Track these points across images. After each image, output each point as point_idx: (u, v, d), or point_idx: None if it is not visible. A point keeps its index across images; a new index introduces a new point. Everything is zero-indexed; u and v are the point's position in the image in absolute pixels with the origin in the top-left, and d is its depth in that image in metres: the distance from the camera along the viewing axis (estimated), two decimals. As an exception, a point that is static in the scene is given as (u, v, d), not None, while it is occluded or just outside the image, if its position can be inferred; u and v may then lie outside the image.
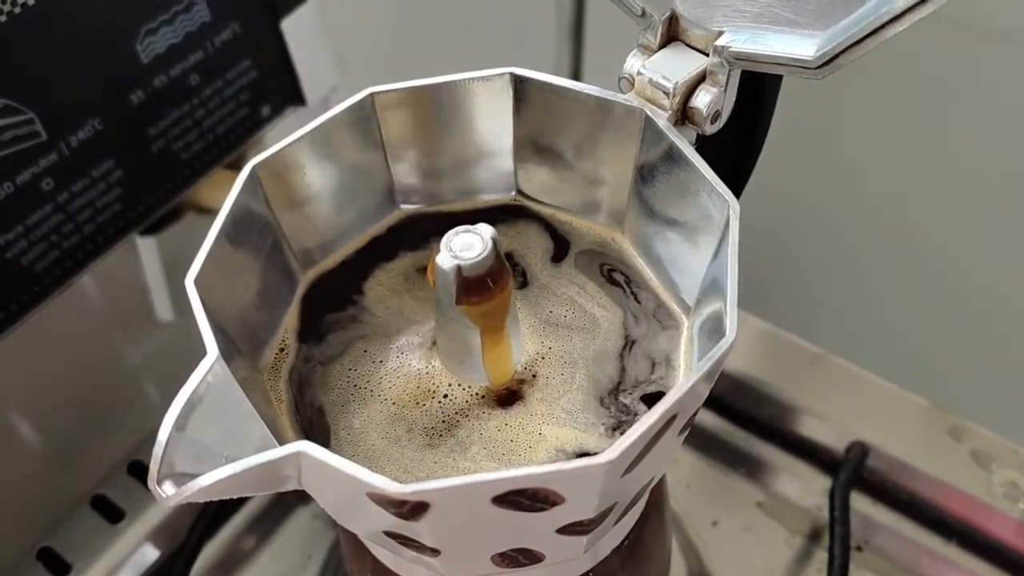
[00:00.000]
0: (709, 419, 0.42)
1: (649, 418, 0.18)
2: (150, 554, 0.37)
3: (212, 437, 0.19)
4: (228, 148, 0.41)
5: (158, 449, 0.18)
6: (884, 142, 0.50)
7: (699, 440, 0.41)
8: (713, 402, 0.42)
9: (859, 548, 0.38)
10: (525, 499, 0.18)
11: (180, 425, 0.19)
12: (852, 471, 0.37)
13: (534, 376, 0.23)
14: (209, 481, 0.18)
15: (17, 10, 0.31)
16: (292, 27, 0.41)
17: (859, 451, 0.38)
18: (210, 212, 0.42)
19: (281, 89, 0.42)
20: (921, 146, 0.49)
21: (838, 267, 0.55)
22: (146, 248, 0.44)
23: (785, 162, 0.48)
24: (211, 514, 0.37)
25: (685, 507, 0.39)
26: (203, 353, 0.19)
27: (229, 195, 0.22)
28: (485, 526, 0.19)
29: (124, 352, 0.45)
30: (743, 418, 0.42)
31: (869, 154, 0.51)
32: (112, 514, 0.38)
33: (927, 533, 0.38)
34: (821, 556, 0.38)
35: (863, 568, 0.37)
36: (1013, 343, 0.50)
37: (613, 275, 0.25)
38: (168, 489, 0.18)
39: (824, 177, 0.53)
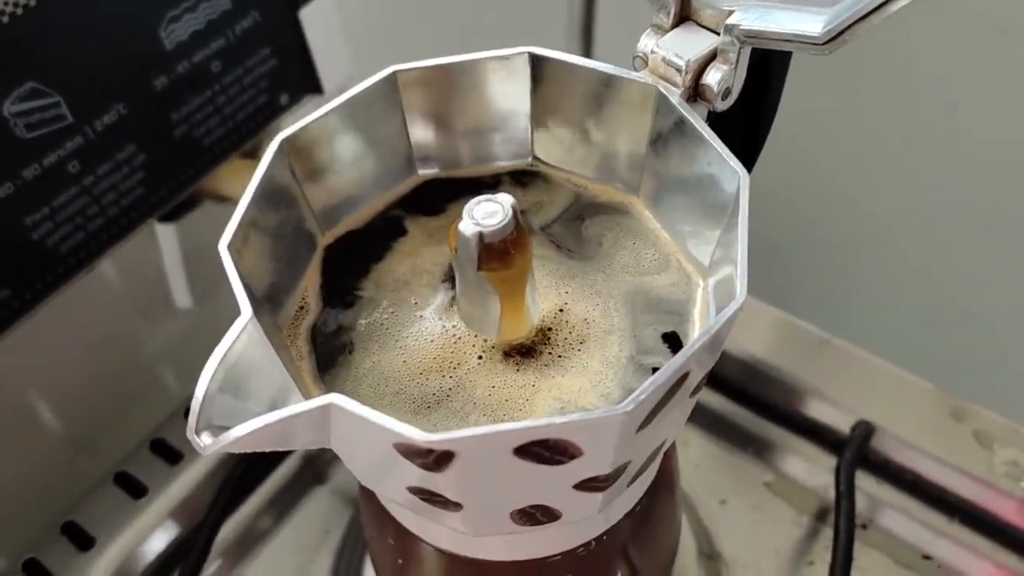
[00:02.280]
0: (718, 401, 0.43)
1: (663, 373, 0.19)
2: (172, 529, 0.38)
3: (246, 392, 0.20)
4: (247, 135, 0.42)
5: (195, 404, 0.19)
6: (890, 128, 0.51)
7: (708, 421, 0.42)
8: (722, 384, 0.43)
9: (864, 526, 0.39)
10: (545, 450, 0.19)
11: (216, 380, 0.19)
12: (857, 448, 0.38)
13: (548, 331, 0.24)
14: (243, 432, 0.19)
15: (46, -5, 0.32)
16: (310, 16, 0.42)
17: (864, 429, 0.39)
18: (227, 200, 0.43)
19: (299, 77, 0.43)
20: (928, 132, 0.50)
21: (844, 253, 0.56)
22: (165, 235, 0.45)
23: (790, 150, 0.49)
24: (231, 490, 0.38)
25: (695, 487, 0.40)
26: (220, 330, 0.20)
27: (259, 166, 0.23)
28: (506, 479, 0.20)
29: (143, 336, 0.46)
30: (751, 400, 0.42)
31: (875, 140, 0.52)
32: (135, 490, 0.39)
33: (931, 512, 0.39)
34: (828, 534, 0.39)
35: (868, 546, 0.38)
36: (1015, 326, 0.50)
37: (626, 236, 0.26)
38: (206, 439, 0.19)
39: (831, 163, 0.53)
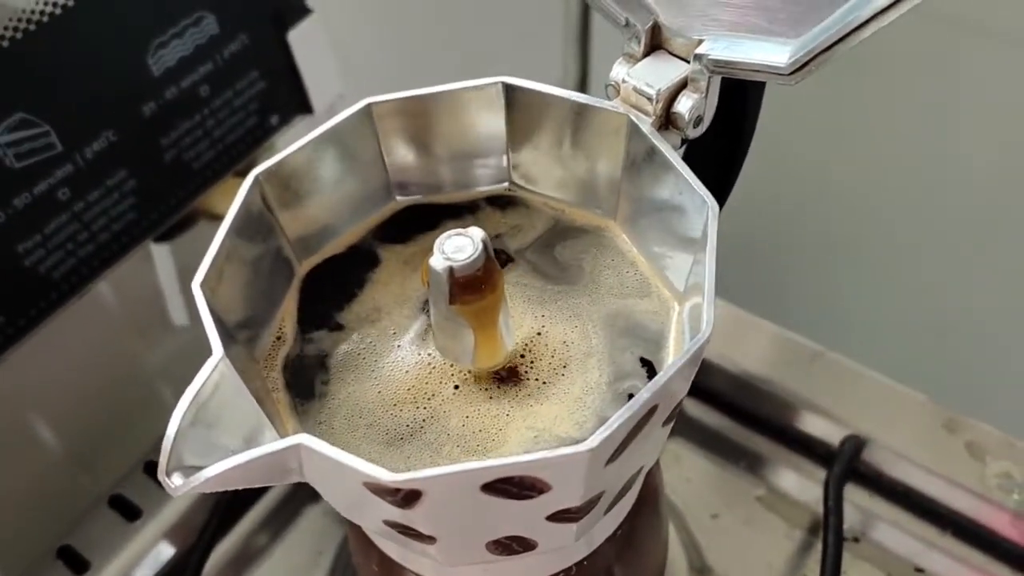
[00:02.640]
0: (709, 415, 0.43)
1: (630, 408, 0.19)
2: (166, 551, 0.38)
3: (218, 431, 0.20)
4: (238, 156, 0.43)
5: (166, 443, 0.20)
6: (881, 140, 0.51)
7: (699, 435, 0.42)
8: (714, 398, 0.43)
9: (856, 539, 0.39)
10: (513, 487, 0.19)
11: (187, 420, 0.20)
12: (846, 463, 0.38)
13: (522, 357, 0.24)
14: (214, 472, 0.19)
15: (32, 27, 0.33)
16: (298, 38, 0.42)
17: (853, 443, 0.39)
18: (222, 218, 0.43)
19: (289, 98, 0.43)
20: (918, 144, 0.50)
21: (836, 266, 0.56)
22: (160, 255, 0.45)
23: (782, 161, 0.49)
24: (224, 512, 0.38)
25: (686, 501, 0.40)
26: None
27: (233, 203, 0.23)
28: (477, 513, 0.20)
29: (140, 356, 0.46)
30: (743, 414, 0.43)
31: (866, 153, 0.52)
32: (129, 512, 0.39)
33: (923, 524, 0.39)
34: (819, 549, 0.38)
35: (860, 559, 0.38)
36: (1007, 338, 0.50)
37: (604, 260, 0.26)
38: (176, 480, 0.19)
39: (821, 176, 0.53)
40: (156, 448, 0.41)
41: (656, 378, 0.19)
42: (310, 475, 0.20)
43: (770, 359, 0.43)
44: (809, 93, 0.49)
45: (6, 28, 0.32)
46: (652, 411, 0.20)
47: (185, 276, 0.46)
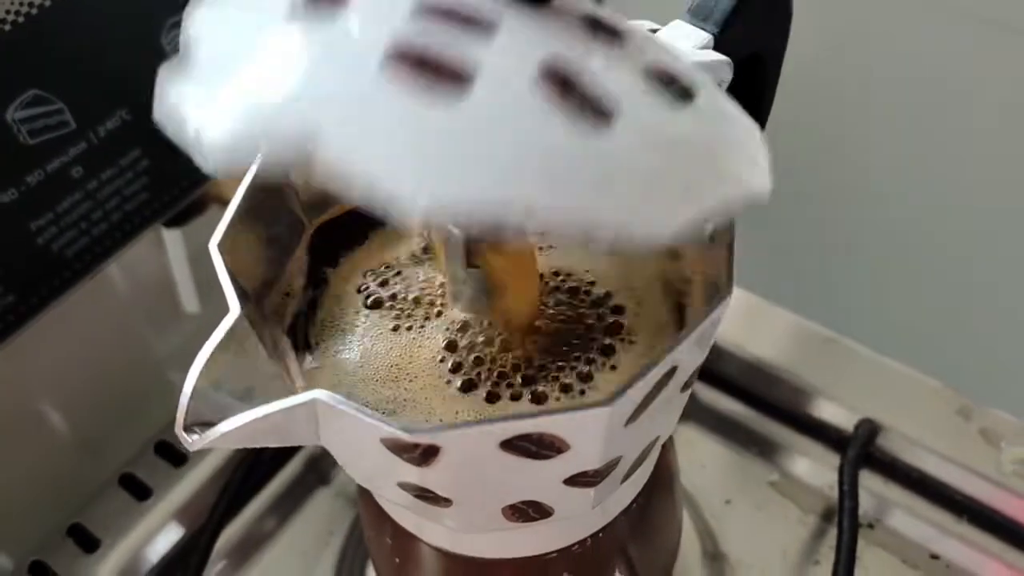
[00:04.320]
0: (723, 401, 0.43)
1: (649, 369, 0.19)
2: (176, 531, 0.38)
3: (234, 389, 0.20)
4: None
5: (183, 400, 0.19)
6: (899, 124, 0.51)
7: (713, 421, 0.42)
8: (727, 384, 0.43)
9: (871, 526, 0.39)
10: (532, 444, 0.19)
11: (204, 378, 0.20)
12: (861, 446, 0.38)
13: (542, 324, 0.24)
14: (228, 428, 0.19)
15: (47, 3, 0.33)
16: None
17: (868, 427, 0.39)
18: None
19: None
20: (937, 129, 0.49)
21: (848, 251, 0.55)
22: (172, 240, 0.45)
23: (793, 145, 0.49)
24: (234, 492, 0.38)
25: (699, 486, 0.40)
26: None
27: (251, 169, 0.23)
28: (494, 474, 0.20)
29: (150, 338, 0.46)
30: (756, 399, 0.42)
31: (882, 136, 0.51)
32: (140, 492, 0.39)
33: (938, 511, 0.39)
34: (833, 534, 0.38)
35: (875, 545, 0.38)
36: (1022, 324, 0.50)
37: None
38: (193, 435, 0.19)
39: (834, 159, 0.53)
40: (167, 429, 0.41)
41: (680, 335, 0.19)
42: (325, 434, 0.20)
43: (783, 345, 0.43)
44: (825, 82, 0.49)
45: (22, 4, 0.32)
46: (671, 373, 0.20)
47: (196, 262, 0.46)
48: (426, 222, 0.15)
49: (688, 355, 0.20)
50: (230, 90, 0.16)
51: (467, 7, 0.17)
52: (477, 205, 0.15)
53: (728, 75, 0.25)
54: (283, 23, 0.17)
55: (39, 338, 0.37)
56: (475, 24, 0.16)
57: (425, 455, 0.19)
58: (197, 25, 0.18)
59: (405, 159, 0.15)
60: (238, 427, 0.19)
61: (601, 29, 0.18)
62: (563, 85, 0.16)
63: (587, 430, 0.19)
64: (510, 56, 0.16)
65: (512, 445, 0.19)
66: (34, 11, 0.33)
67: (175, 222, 0.44)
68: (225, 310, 0.21)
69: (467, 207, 0.15)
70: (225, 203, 0.44)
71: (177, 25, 0.37)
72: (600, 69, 0.17)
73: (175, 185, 0.40)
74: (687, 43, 0.24)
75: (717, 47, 0.24)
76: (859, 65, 0.50)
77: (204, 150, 0.16)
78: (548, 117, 0.16)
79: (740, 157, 0.19)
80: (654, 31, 0.25)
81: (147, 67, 0.36)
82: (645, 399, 0.20)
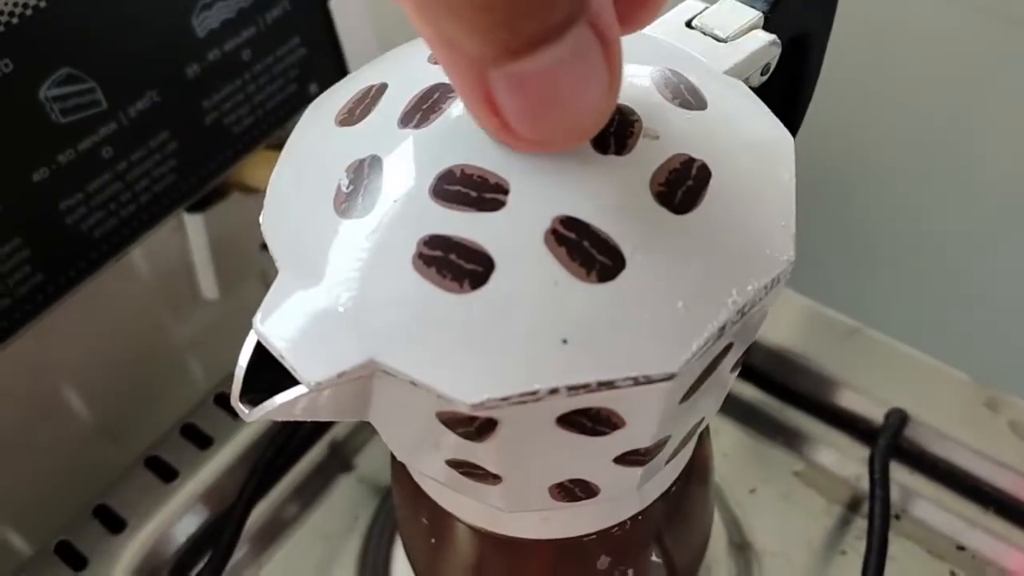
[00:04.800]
0: (748, 390, 0.43)
1: (710, 328, 0.18)
2: (202, 512, 0.38)
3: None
4: (276, 123, 0.42)
5: (239, 372, 0.19)
6: (925, 113, 0.50)
7: (736, 411, 0.42)
8: (752, 374, 0.43)
9: (897, 517, 0.39)
10: (588, 420, 0.19)
11: (258, 348, 0.19)
12: (892, 436, 0.38)
13: None
14: (285, 399, 0.19)
15: (83, -19, 0.33)
16: (339, 6, 0.42)
17: (898, 417, 0.39)
18: (254, 191, 0.43)
19: (328, 67, 0.43)
20: (957, 119, 0.49)
21: (874, 241, 0.55)
22: (193, 225, 0.45)
23: (816, 135, 0.49)
24: (261, 474, 0.38)
25: (724, 475, 0.40)
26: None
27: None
28: (547, 449, 0.20)
29: (172, 323, 0.46)
30: (781, 389, 0.42)
31: (908, 125, 0.51)
32: (166, 474, 0.39)
33: (965, 502, 0.39)
34: (859, 524, 0.38)
35: (901, 536, 0.38)
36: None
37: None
38: (249, 407, 0.19)
39: (860, 149, 0.53)
40: (193, 412, 0.41)
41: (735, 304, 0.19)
42: (376, 407, 0.20)
43: (808, 335, 0.43)
44: (851, 76, 0.49)
45: (57, -17, 0.32)
46: (727, 350, 0.20)
47: (217, 248, 0.46)
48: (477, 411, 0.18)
49: (743, 333, 0.20)
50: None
51: (476, 182, 0.19)
52: (516, 395, 0.17)
53: (775, 56, 0.24)
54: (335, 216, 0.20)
55: (65, 320, 0.37)
56: (487, 197, 0.19)
57: (481, 430, 0.19)
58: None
59: (445, 366, 0.18)
60: (292, 399, 0.19)
61: (607, 148, 0.19)
62: (568, 245, 0.18)
63: (645, 404, 0.19)
64: (521, 226, 0.18)
65: (569, 420, 0.19)
66: (69, -11, 0.33)
67: (197, 207, 0.44)
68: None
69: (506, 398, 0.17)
70: (246, 190, 0.45)
71: (207, 7, 0.37)
72: (605, 211, 0.18)
73: (201, 168, 0.40)
74: (737, 20, 0.24)
75: (766, 26, 0.24)
76: (882, 55, 0.49)
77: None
78: (564, 286, 0.18)
79: (759, 237, 0.19)
80: (702, 11, 0.24)
81: (177, 49, 0.37)
82: (701, 376, 0.20)
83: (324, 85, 0.44)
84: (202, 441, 0.40)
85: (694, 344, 0.18)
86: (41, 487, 0.38)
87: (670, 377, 0.18)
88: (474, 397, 0.17)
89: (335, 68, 0.44)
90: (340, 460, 0.41)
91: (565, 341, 0.17)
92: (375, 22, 0.45)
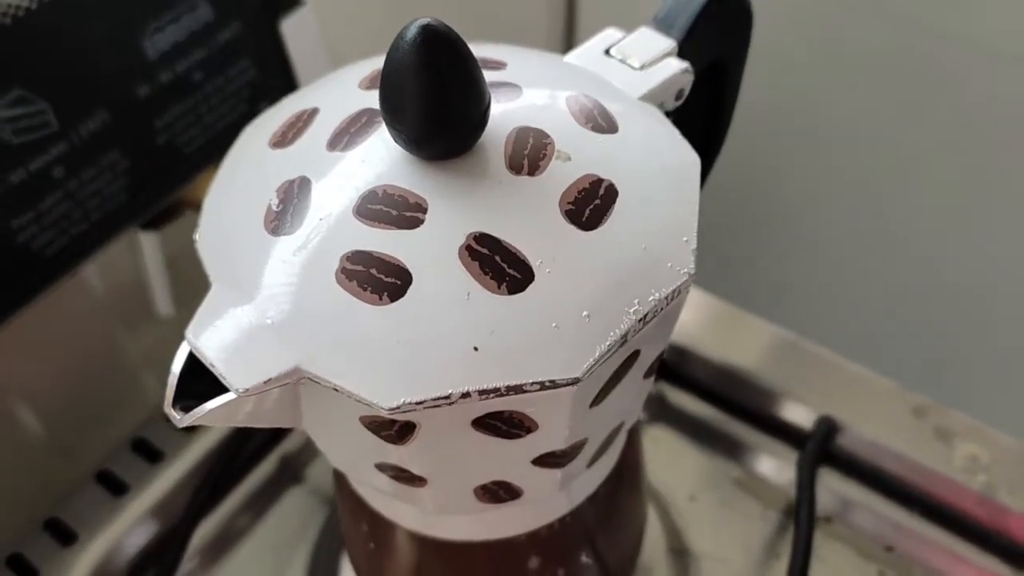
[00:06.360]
0: (688, 400, 0.44)
1: (611, 338, 0.20)
2: (152, 526, 0.39)
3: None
4: (228, 143, 0.43)
5: (171, 380, 0.20)
6: (858, 132, 0.52)
7: (678, 419, 0.43)
8: (691, 384, 0.44)
9: (828, 520, 0.40)
10: (502, 423, 0.20)
11: (191, 359, 0.20)
12: (819, 442, 0.39)
13: None
14: (215, 405, 0.20)
15: (34, 6, 0.34)
16: (291, 28, 0.43)
17: (826, 424, 0.40)
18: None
19: (279, 87, 0.44)
20: (890, 138, 0.51)
21: (808, 253, 0.57)
22: (148, 243, 0.46)
23: (761, 148, 0.51)
24: (210, 488, 0.39)
25: (664, 482, 0.41)
26: None
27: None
28: (466, 451, 0.21)
29: (125, 339, 0.47)
30: (720, 399, 0.44)
31: (845, 143, 0.53)
32: (117, 488, 0.39)
33: (892, 506, 0.40)
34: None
35: (832, 538, 0.39)
36: (973, 326, 0.52)
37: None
38: (180, 413, 0.20)
39: (799, 165, 0.55)
40: (144, 426, 0.41)
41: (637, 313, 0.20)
42: (307, 414, 0.21)
43: (747, 348, 0.44)
44: (799, 88, 0.51)
45: (8, 6, 0.33)
46: (634, 356, 0.21)
47: (172, 265, 0.47)
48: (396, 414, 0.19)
49: (649, 340, 0.22)
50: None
51: (397, 201, 0.20)
52: (430, 399, 0.19)
53: (688, 83, 0.26)
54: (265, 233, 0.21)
55: (17, 336, 0.38)
56: (406, 216, 0.20)
57: (401, 433, 0.20)
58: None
59: (365, 373, 0.19)
60: (222, 404, 0.20)
61: (520, 169, 0.21)
62: (481, 260, 0.19)
63: (554, 408, 0.20)
64: (437, 242, 0.20)
65: (483, 423, 0.20)
66: (20, 13, 0.33)
67: (152, 225, 0.45)
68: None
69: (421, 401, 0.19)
70: (198, 208, 0.45)
71: (159, 30, 0.38)
72: (516, 228, 0.20)
73: (153, 187, 0.41)
74: (652, 49, 0.25)
75: (681, 54, 0.25)
76: (820, 73, 0.51)
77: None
78: (476, 298, 0.19)
79: (662, 251, 0.21)
80: (620, 40, 0.26)
81: (129, 70, 0.38)
82: (609, 380, 0.21)
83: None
84: (153, 456, 0.40)
85: (597, 351, 0.19)
86: (-8, 499, 0.39)
87: (575, 382, 0.19)
88: (391, 401, 0.19)
89: (286, 88, 0.45)
90: (291, 472, 0.42)
91: (476, 349, 0.19)
92: (326, 41, 0.46)
